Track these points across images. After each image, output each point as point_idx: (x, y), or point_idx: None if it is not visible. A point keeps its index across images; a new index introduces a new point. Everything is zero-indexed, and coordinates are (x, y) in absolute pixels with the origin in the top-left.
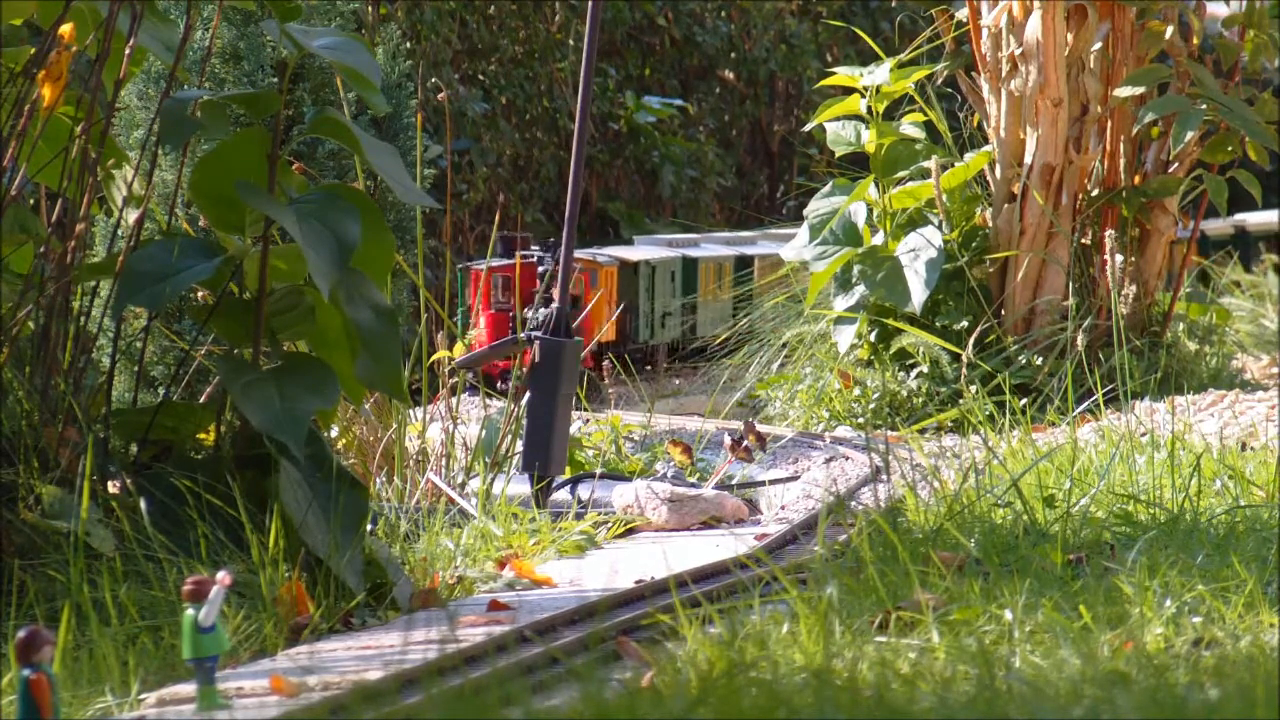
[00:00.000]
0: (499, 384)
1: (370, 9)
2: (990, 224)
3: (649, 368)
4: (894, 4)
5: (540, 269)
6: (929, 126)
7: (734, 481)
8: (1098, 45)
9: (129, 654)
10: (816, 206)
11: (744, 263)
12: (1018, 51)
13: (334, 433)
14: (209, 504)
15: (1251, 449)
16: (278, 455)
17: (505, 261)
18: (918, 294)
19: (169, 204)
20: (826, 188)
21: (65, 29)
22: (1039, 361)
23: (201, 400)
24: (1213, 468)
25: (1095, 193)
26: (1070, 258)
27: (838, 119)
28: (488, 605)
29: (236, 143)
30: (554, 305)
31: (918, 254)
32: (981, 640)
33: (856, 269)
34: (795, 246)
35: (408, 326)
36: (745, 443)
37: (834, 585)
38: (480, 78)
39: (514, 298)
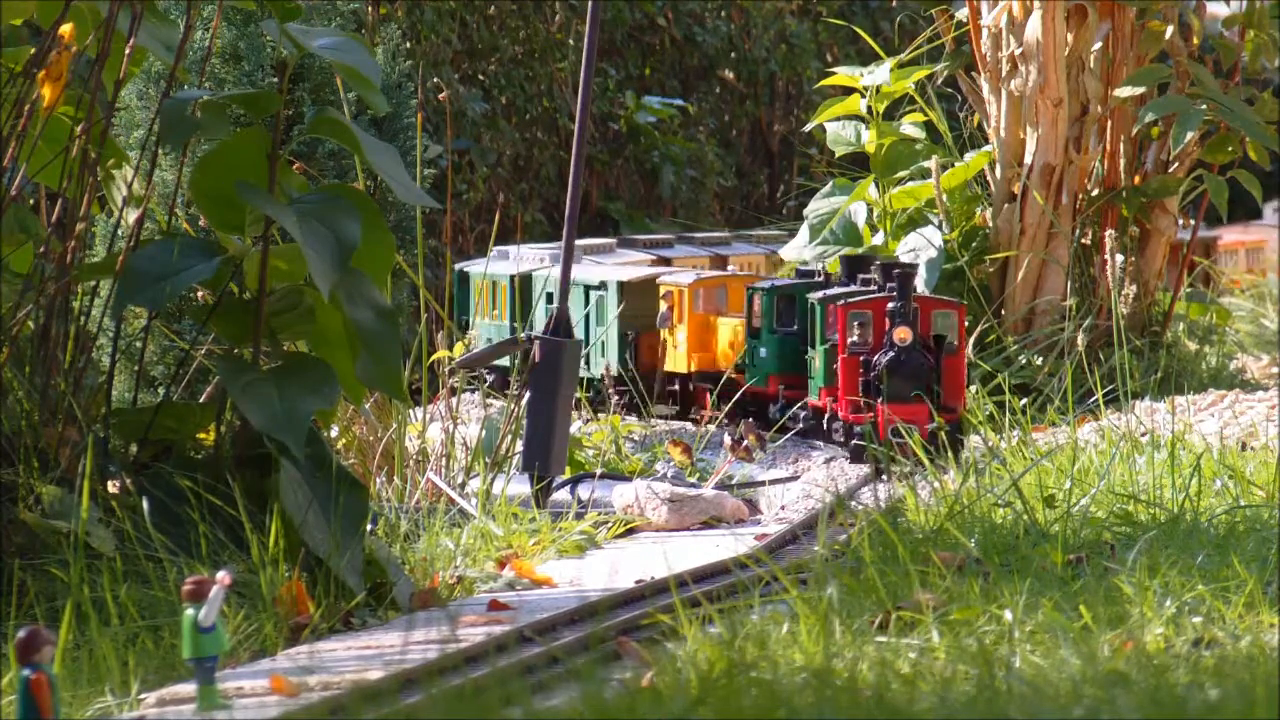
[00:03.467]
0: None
1: (370, 9)
2: (990, 224)
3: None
4: (894, 4)
5: (889, 305)
6: (929, 126)
7: (734, 481)
8: (1098, 45)
9: (129, 654)
10: (816, 206)
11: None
12: (1018, 51)
13: (334, 433)
14: (209, 504)
15: (1251, 449)
16: (278, 455)
17: (865, 295)
18: None
19: (169, 204)
20: (826, 188)
21: (65, 29)
22: (1039, 361)
23: (201, 400)
24: (1213, 468)
25: (1095, 193)
26: (1070, 258)
27: (838, 119)
28: (488, 605)
29: (236, 143)
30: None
31: (918, 254)
32: (981, 640)
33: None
34: (795, 246)
35: (408, 326)
36: (745, 443)
37: (834, 585)
38: (480, 78)
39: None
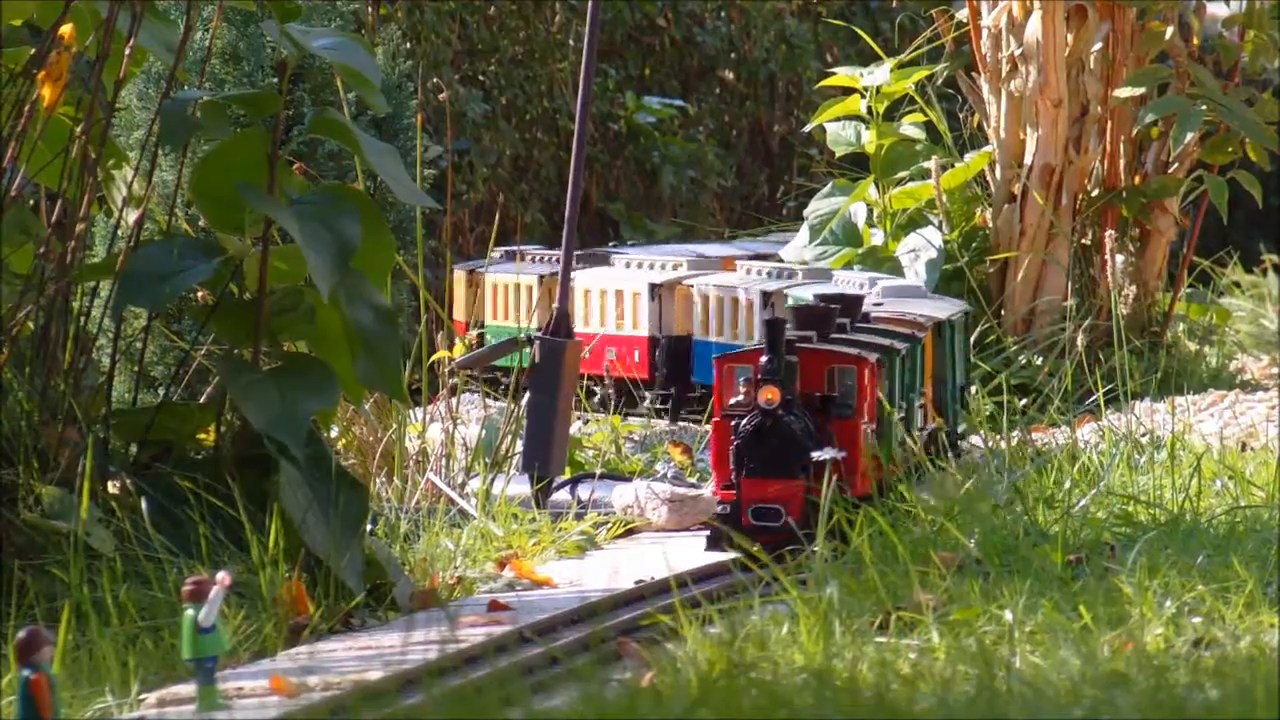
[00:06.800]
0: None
1: (370, 9)
2: (990, 224)
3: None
4: (894, 4)
5: (760, 360)
6: (929, 127)
7: None
8: (1098, 46)
9: (129, 654)
10: (816, 207)
11: None
12: (1018, 52)
13: (334, 433)
14: (209, 504)
15: (1251, 449)
16: (278, 455)
17: (754, 345)
18: None
19: (169, 204)
20: (826, 188)
21: (65, 29)
22: (1039, 361)
23: (201, 400)
24: (1213, 468)
25: (1095, 193)
26: (1070, 258)
27: (838, 119)
28: (488, 605)
29: (236, 143)
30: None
31: (918, 254)
32: (981, 640)
33: (857, 269)
34: (795, 247)
35: (408, 327)
36: None
37: (834, 585)
38: (480, 78)
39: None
